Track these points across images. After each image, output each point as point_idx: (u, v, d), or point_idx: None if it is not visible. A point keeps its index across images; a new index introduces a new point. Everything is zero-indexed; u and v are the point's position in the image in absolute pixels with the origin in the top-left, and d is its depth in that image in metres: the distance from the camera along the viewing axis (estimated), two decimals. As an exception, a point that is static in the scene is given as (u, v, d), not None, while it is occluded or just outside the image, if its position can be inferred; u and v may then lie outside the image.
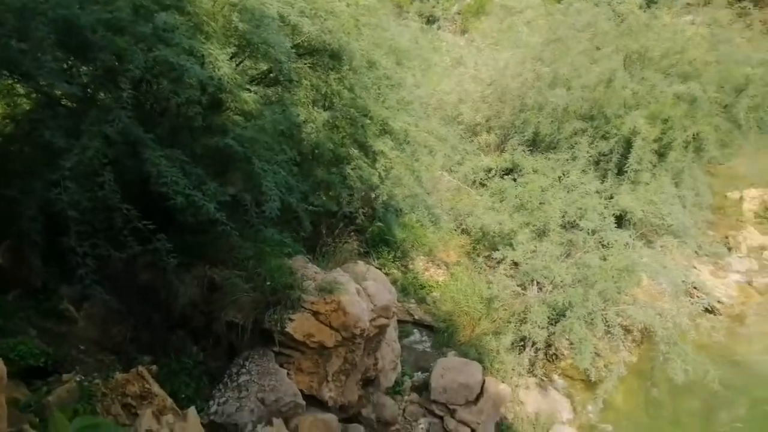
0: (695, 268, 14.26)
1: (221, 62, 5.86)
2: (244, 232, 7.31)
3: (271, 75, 7.69)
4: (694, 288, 13.13)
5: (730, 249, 15.64)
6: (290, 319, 7.05)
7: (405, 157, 8.98)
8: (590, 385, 10.43)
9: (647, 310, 10.02)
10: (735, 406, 10.37)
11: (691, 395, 10.38)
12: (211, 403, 6.92)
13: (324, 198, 9.35)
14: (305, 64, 7.68)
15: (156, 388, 6.63)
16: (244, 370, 7.21)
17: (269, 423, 6.55)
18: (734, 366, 10.42)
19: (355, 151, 8.41)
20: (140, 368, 6.62)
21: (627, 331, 10.76)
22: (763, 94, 13.39)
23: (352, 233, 11.09)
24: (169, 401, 6.64)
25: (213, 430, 6.74)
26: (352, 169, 8.36)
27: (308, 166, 8.27)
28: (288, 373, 7.33)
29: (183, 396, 6.96)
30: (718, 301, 13.10)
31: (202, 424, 6.73)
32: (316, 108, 8.02)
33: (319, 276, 7.63)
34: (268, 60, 7.03)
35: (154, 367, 7.11)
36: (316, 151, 8.16)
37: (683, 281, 11.12)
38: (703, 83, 12.93)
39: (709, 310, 13.08)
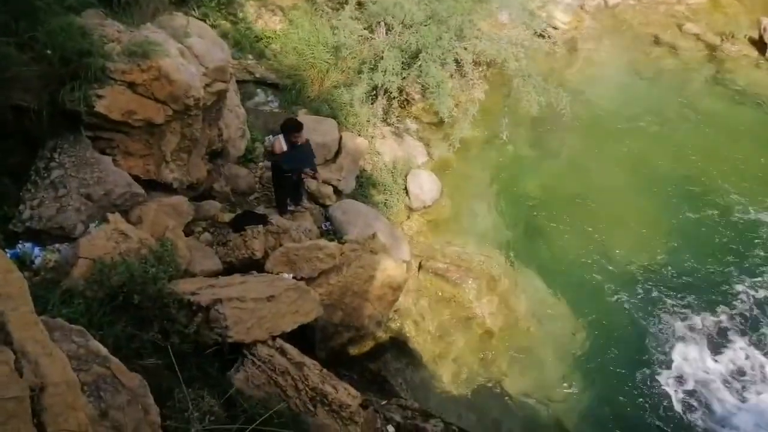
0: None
1: None
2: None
3: None
4: (531, 15, 13.01)
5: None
6: (98, 96, 5.55)
7: None
8: (442, 126, 10.51)
9: (499, 42, 9.69)
10: (574, 124, 11.26)
11: (537, 122, 11.00)
12: (22, 207, 5.64)
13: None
14: None
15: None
16: (54, 164, 5.83)
17: (104, 220, 5.55)
18: (570, 90, 10.97)
19: None
20: None
21: (475, 66, 10.54)
22: None
23: (160, -24, 8.77)
24: (-39, 216, 5.30)
25: (34, 238, 5.62)
26: None
27: None
28: (114, 160, 6.12)
29: (-20, 204, 5.61)
30: (555, 27, 13.24)
31: (17, 234, 5.60)
32: None
33: (124, 36, 5.91)
34: None
35: None
36: None
37: (529, 9, 10.76)
38: None
39: (543, 36, 13.22)
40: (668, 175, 10.72)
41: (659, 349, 8.10)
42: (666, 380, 7.75)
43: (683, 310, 8.57)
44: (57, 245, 5.59)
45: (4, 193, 5.78)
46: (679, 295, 8.75)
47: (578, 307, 8.51)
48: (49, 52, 5.16)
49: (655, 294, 8.74)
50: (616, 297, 8.68)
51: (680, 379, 7.78)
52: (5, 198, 5.76)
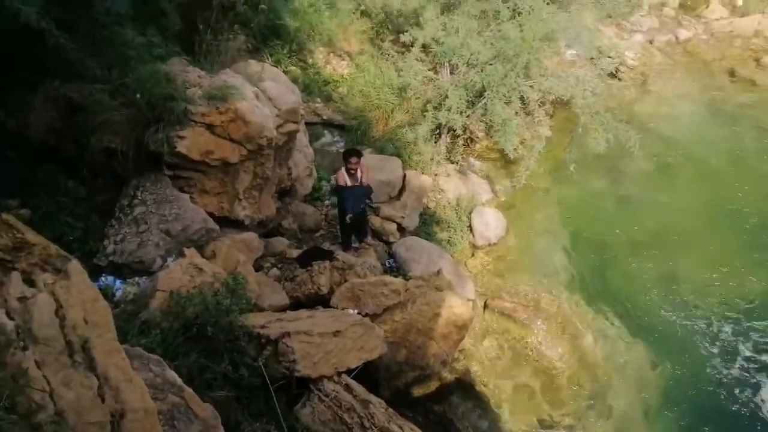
0: (599, 30, 13.85)
1: None
2: (94, 34, 5.69)
3: None
4: (600, 52, 12.86)
5: (632, 8, 15.21)
6: (180, 137, 5.90)
7: None
8: (507, 164, 10.41)
9: (566, 81, 9.59)
10: (645, 161, 10.91)
11: (606, 160, 10.71)
12: (106, 242, 6.00)
13: (193, -18, 7.51)
14: None
15: (31, 235, 5.56)
16: (137, 201, 6.20)
17: (181, 254, 5.79)
18: (641, 127, 10.66)
19: None
20: (4, 215, 5.45)
21: (540, 104, 10.45)
22: None
23: (236, 27, 9.35)
24: (54, 248, 5.65)
25: (116, 271, 5.95)
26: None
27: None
28: (192, 198, 6.43)
29: (71, 239, 5.99)
30: (625, 64, 13.01)
31: (100, 267, 5.93)
32: None
33: (204, 81, 6.30)
34: None
35: (24, 212, 5.96)
36: None
37: (597, 47, 10.63)
38: None
39: (614, 74, 13.02)
40: (745, 214, 10.13)
41: (741, 398, 7.47)
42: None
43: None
44: (137, 278, 5.88)
45: (92, 229, 6.18)
46: (762, 334, 8.10)
47: (653, 352, 8.02)
48: (138, 96, 5.55)
49: (735, 340, 8.12)
50: (693, 343, 8.12)
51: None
52: (92, 233, 6.16)
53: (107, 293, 5.60)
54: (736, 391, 7.53)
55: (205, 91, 6.10)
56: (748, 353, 7.95)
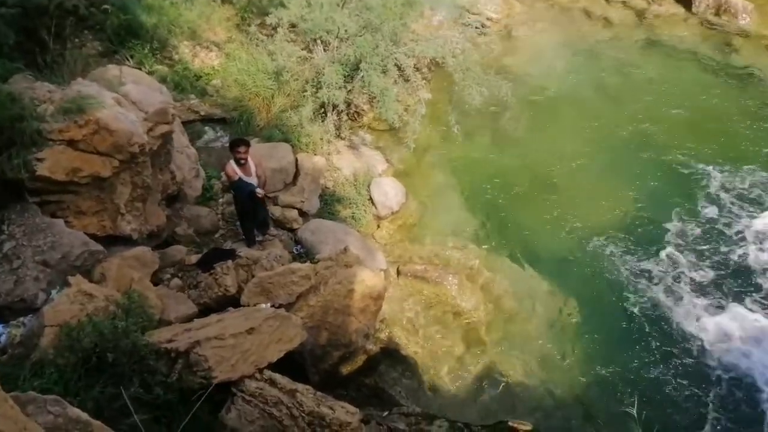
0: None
1: None
2: None
3: None
4: (466, 11, 13.24)
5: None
6: (38, 159, 5.40)
7: None
8: (396, 132, 10.54)
9: (435, 42, 9.81)
10: (522, 108, 11.49)
11: (486, 112, 11.14)
12: (-22, 288, 5.42)
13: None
14: None
15: None
16: (4, 236, 5.64)
17: (66, 284, 5.36)
18: (512, 76, 11.16)
19: None
20: None
21: (416, 69, 10.61)
22: None
23: (86, 32, 8.65)
24: None
25: (-3, 316, 5.41)
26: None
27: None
28: (67, 222, 5.95)
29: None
30: (488, 18, 13.49)
31: (-23, 315, 5.38)
32: None
33: (56, 95, 5.78)
34: None
35: None
36: None
37: (459, 6, 10.92)
38: None
39: (480, 29, 13.46)
40: (619, 141, 11.02)
41: (646, 311, 8.17)
42: (665, 342, 7.81)
43: (669, 271, 8.68)
44: (21, 318, 5.38)
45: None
46: (660, 256, 8.89)
47: (560, 283, 8.56)
48: (-24, 122, 5.00)
49: (629, 257, 8.86)
50: (598, 268, 8.76)
51: (673, 337, 7.85)
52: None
53: (-11, 341, 5.10)
54: (642, 313, 8.09)
55: (58, 106, 5.60)
56: (656, 281, 8.51)
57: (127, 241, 6.49)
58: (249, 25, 11.17)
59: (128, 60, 9.34)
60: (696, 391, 7.23)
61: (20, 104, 5.45)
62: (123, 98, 6.29)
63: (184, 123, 9.02)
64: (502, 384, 7.35)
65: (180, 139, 8.03)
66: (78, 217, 5.97)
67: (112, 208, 6.20)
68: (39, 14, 7.29)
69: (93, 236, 6.05)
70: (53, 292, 5.39)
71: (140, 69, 9.01)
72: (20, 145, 5.33)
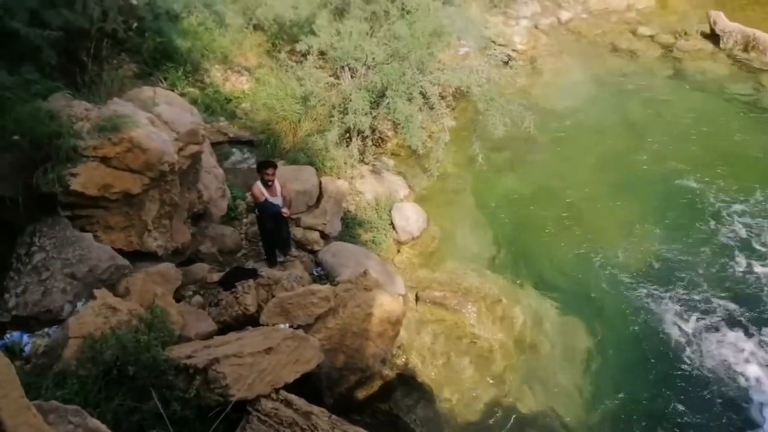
0: (487, 20, 14.48)
1: None
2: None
3: None
4: (492, 41, 13.44)
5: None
6: (73, 175, 5.59)
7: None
8: (419, 158, 10.64)
9: (461, 72, 9.95)
10: (544, 138, 11.48)
11: (509, 142, 11.19)
12: (6, 296, 5.59)
13: (67, 13, 7.15)
14: None
15: None
16: (35, 248, 5.81)
17: (91, 297, 5.48)
18: (537, 107, 11.23)
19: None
20: None
21: (441, 97, 10.76)
22: None
23: (123, 54, 8.99)
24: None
25: (24, 325, 5.55)
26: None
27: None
28: (96, 236, 6.11)
29: (-35, 303, 5.52)
30: (514, 50, 13.66)
31: (4, 324, 5.52)
32: None
33: (93, 113, 6.00)
34: None
35: None
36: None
37: (486, 37, 11.10)
38: None
39: (506, 61, 13.66)
40: (642, 174, 11.00)
41: (671, 344, 7.98)
42: (683, 372, 7.61)
43: (686, 302, 8.51)
44: (46, 329, 5.51)
45: (-12, 286, 5.73)
46: (678, 286, 8.73)
47: (581, 315, 8.44)
48: (16, 137, 5.20)
49: (655, 289, 8.71)
50: (616, 298, 8.62)
51: (698, 369, 7.66)
52: (-11, 290, 5.71)
53: (14, 350, 5.22)
54: (664, 349, 7.90)
55: (94, 124, 5.81)
56: (673, 311, 8.36)
57: (152, 257, 6.62)
58: (279, 52, 11.48)
59: (162, 82, 9.66)
60: (715, 427, 7.01)
61: (58, 121, 5.67)
62: (156, 118, 6.50)
63: (213, 144, 9.26)
64: (516, 416, 7.22)
65: (208, 159, 8.22)
66: (106, 232, 6.12)
67: (139, 224, 6.35)
68: (80, 37, 7.62)
69: (120, 251, 6.19)
70: (79, 304, 5.52)
71: (173, 91, 9.30)
72: (56, 161, 5.53)
